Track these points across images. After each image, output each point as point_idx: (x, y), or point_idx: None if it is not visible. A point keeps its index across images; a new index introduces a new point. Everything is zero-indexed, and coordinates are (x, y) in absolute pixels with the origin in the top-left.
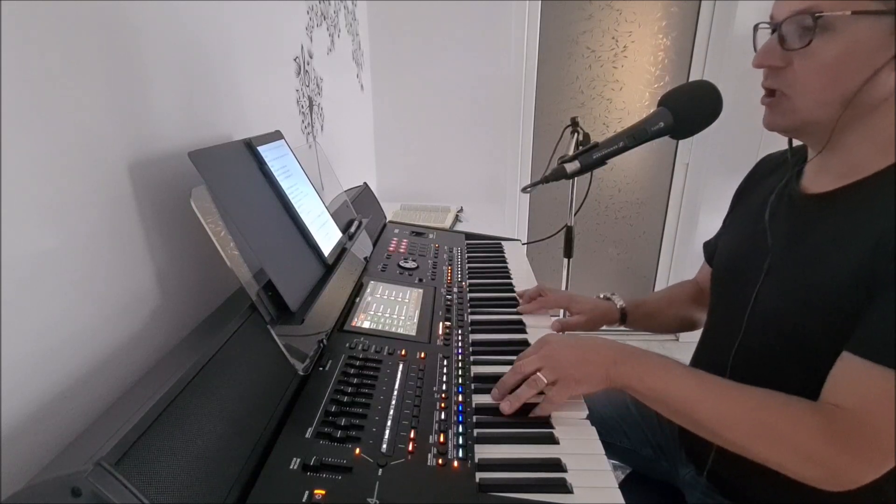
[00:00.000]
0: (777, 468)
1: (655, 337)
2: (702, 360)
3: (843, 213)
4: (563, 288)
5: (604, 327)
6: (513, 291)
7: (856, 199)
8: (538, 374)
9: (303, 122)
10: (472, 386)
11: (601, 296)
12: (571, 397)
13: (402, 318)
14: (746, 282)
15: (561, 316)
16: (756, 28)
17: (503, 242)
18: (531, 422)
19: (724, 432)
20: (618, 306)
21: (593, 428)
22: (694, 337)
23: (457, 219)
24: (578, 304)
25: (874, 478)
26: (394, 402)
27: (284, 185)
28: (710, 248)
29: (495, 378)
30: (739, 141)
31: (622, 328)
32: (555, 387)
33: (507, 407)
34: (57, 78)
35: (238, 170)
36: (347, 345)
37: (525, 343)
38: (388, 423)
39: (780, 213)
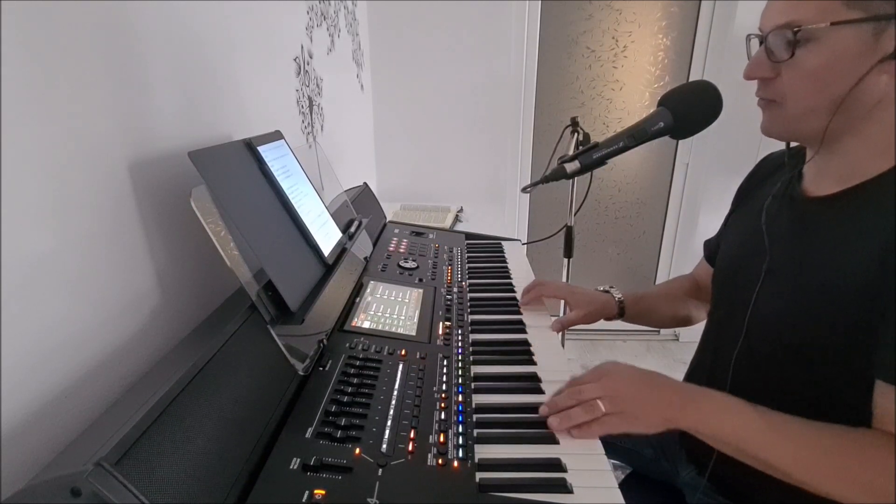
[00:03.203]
0: None
1: (656, 337)
2: (704, 361)
3: (844, 216)
4: None
5: (602, 322)
6: (513, 291)
7: (856, 203)
8: (598, 401)
9: (303, 122)
10: (472, 386)
11: (600, 288)
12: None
13: (402, 318)
14: (746, 284)
15: (561, 312)
16: (748, 38)
17: (503, 242)
18: (531, 422)
19: (799, 475)
20: (616, 299)
21: None
22: (695, 337)
23: (457, 219)
24: (576, 297)
25: None
26: (394, 402)
27: (284, 185)
28: (710, 247)
29: (495, 378)
30: (739, 141)
31: (619, 326)
32: (614, 416)
33: (555, 423)
34: (57, 78)
35: (238, 170)
36: (347, 345)
37: (525, 343)
38: (388, 423)
39: (780, 215)
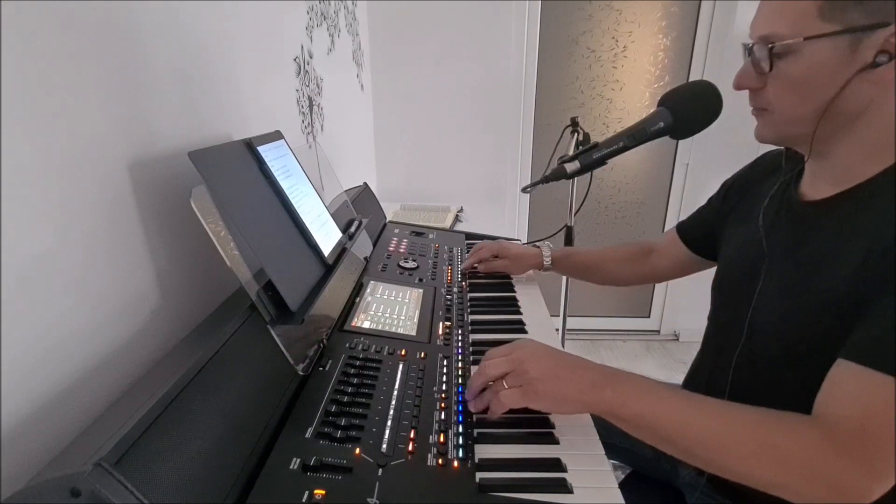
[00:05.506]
0: (779, 492)
1: (656, 337)
2: (704, 363)
3: (839, 220)
4: (564, 288)
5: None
6: (513, 291)
7: (850, 206)
8: (502, 380)
9: (303, 122)
10: None
11: (531, 243)
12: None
13: (402, 318)
14: (747, 287)
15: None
16: (744, 47)
17: None
18: (531, 422)
19: (719, 458)
20: (543, 254)
21: (593, 428)
22: (695, 337)
23: (457, 219)
24: (506, 249)
25: (881, 494)
26: (394, 402)
27: (284, 185)
28: (683, 227)
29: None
30: (739, 141)
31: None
32: (514, 391)
33: (472, 408)
34: (57, 78)
35: (238, 170)
36: (347, 345)
37: None
38: (388, 423)
39: (778, 218)
